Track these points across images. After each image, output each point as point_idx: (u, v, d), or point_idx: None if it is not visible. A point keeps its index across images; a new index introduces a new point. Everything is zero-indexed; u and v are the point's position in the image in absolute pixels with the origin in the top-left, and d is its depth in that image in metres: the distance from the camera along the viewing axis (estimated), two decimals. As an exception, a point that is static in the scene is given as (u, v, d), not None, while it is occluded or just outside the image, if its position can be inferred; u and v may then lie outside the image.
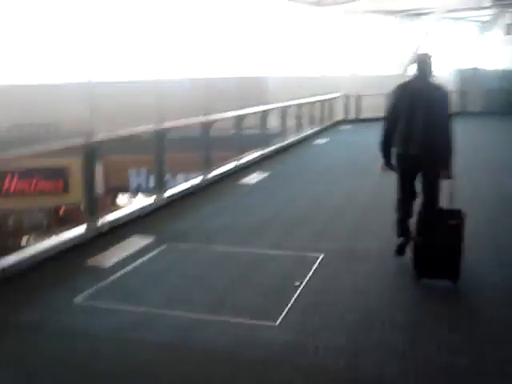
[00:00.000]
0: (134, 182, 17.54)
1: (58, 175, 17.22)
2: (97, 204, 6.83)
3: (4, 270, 5.21)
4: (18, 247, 17.96)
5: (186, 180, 16.71)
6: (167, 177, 16.77)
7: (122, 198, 18.80)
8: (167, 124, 8.20)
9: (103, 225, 6.70)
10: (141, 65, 17.41)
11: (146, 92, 15.99)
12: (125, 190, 18.03)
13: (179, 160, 16.33)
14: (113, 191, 18.21)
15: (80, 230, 6.51)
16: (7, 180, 17.46)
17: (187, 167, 16.74)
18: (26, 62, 18.09)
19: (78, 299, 4.72)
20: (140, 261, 5.69)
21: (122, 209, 7.40)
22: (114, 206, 18.35)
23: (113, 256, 5.83)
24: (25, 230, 18.78)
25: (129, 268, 5.48)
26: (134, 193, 18.15)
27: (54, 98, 16.53)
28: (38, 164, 15.99)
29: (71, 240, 6.21)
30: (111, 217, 6.99)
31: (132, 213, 7.38)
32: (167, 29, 16.85)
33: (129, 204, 18.49)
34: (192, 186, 9.25)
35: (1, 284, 5.05)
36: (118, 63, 17.72)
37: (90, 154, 6.60)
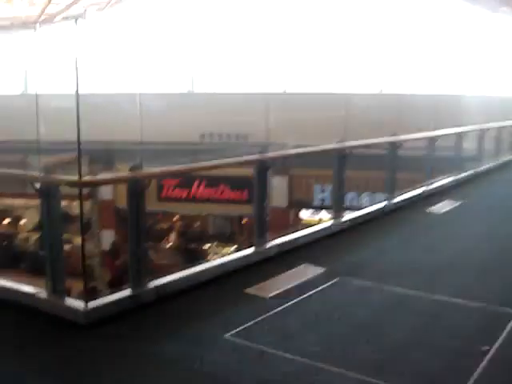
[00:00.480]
0: (317, 198, 17.05)
1: (243, 185, 17.24)
2: (267, 224, 6.33)
3: (158, 289, 4.89)
4: (200, 251, 18.41)
5: (372, 200, 15.99)
6: (352, 195, 16.23)
7: (305, 214, 18.48)
8: (350, 143, 7.52)
9: (271, 248, 6.20)
10: (329, 76, 16.98)
11: (335, 105, 15.54)
12: (308, 205, 17.64)
13: (367, 178, 15.62)
14: (296, 205, 17.94)
15: (247, 251, 6.08)
16: (194, 186, 17.88)
17: (374, 186, 15.97)
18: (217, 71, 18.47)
19: (230, 335, 4.21)
20: (305, 295, 5.07)
21: (295, 232, 6.80)
22: (297, 222, 18.10)
23: (276, 286, 5.29)
24: (209, 236, 19.19)
25: (291, 303, 4.89)
26: (318, 209, 17.72)
27: (243, 108, 16.61)
28: (225, 172, 16.15)
29: (235, 262, 5.79)
30: (281, 240, 6.45)
31: (304, 236, 6.79)
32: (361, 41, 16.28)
33: (312, 220, 18.14)
34: (374, 211, 8.48)
35: (152, 305, 4.72)
36: (304, 74, 17.46)
37: (263, 171, 6.12)
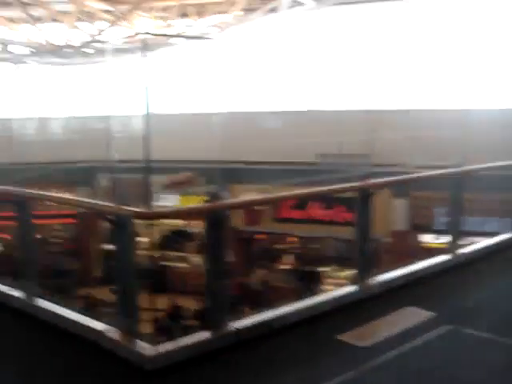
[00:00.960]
0: (439, 222, 15.95)
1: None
2: (371, 257, 5.64)
3: (239, 332, 4.36)
4: (317, 274, 17.77)
5: (500, 226, 14.61)
6: (477, 220, 14.96)
7: (426, 237, 17.39)
8: (468, 168, 6.64)
9: (375, 286, 5.49)
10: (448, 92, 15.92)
11: (457, 122, 14.44)
12: (429, 228, 16.57)
13: (493, 201, 14.36)
14: (417, 228, 16.93)
15: (347, 289, 5.44)
16: (308, 206, 17.37)
17: (503, 210, 14.61)
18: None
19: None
20: (406, 347, 4.33)
21: (402, 268, 6.01)
22: (418, 245, 17.02)
23: (374, 333, 4.59)
24: (326, 259, 18.54)
25: (388, 356, 4.17)
26: (439, 233, 16.58)
27: (362, 126, 15.83)
28: (341, 193, 15.48)
29: (332, 301, 5.15)
30: (387, 276, 5.72)
31: (414, 272, 6.00)
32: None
33: (434, 244, 16.99)
34: (498, 242, 7.50)
35: (230, 351, 4.19)
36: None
37: (365, 198, 5.46)
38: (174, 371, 3.89)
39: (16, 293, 5.19)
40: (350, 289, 5.39)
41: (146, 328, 13.04)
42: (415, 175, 6.74)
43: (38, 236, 19.14)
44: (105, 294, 15.12)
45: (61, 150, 18.13)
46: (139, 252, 17.00)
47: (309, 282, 17.50)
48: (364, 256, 5.54)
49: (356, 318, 4.86)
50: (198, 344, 4.20)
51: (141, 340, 4.14)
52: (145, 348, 4.03)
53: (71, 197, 4.97)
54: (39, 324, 4.72)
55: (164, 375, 3.85)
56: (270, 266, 18.65)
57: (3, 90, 18.63)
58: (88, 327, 4.43)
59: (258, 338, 4.39)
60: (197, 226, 20.66)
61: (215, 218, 4.33)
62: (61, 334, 4.50)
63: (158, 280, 18.56)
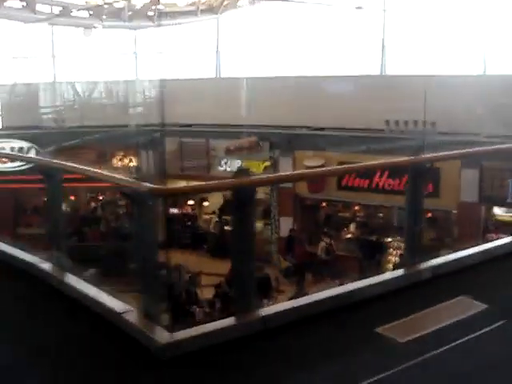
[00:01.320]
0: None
1: (431, 177, 15.70)
2: (421, 238, 5.16)
3: (265, 320, 4.02)
4: (381, 244, 17.24)
5: None
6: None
7: (499, 210, 16.55)
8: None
9: (424, 271, 5.02)
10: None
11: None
12: (502, 201, 15.72)
13: None
14: (488, 201, 16.09)
15: (392, 274, 5.02)
16: (376, 176, 16.76)
17: None
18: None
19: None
20: (455, 343, 3.85)
21: (457, 252, 5.47)
22: (489, 218, 16.22)
23: (418, 325, 4.14)
24: (392, 229, 17.99)
25: (434, 353, 3.71)
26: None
27: (434, 93, 15.00)
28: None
29: (374, 288, 4.70)
30: (438, 260, 5.22)
31: (469, 257, 5.44)
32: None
33: (507, 217, 16.13)
34: None
35: (255, 340, 3.86)
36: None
37: (418, 175, 4.96)
38: (191, 360, 3.61)
39: (44, 265, 5.03)
40: (395, 274, 4.95)
41: (207, 293, 13.06)
42: (475, 149, 6.13)
43: (106, 198, 19.48)
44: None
45: (125, 113, 18.17)
46: (204, 216, 17.03)
47: (374, 252, 17.05)
48: (413, 238, 5.07)
49: (399, 307, 4.43)
50: (220, 331, 3.89)
51: (159, 324, 3.88)
52: (162, 334, 3.76)
53: (94, 169, 4.70)
54: (64, 298, 4.55)
55: (180, 364, 3.58)
56: (334, 235, 18.25)
57: (70, 53, 18.77)
58: (108, 307, 4.19)
59: (287, 327, 4.04)
60: (261, 192, 20.48)
61: (241, 195, 3.98)
62: (82, 311, 4.30)
63: (221, 245, 18.52)
